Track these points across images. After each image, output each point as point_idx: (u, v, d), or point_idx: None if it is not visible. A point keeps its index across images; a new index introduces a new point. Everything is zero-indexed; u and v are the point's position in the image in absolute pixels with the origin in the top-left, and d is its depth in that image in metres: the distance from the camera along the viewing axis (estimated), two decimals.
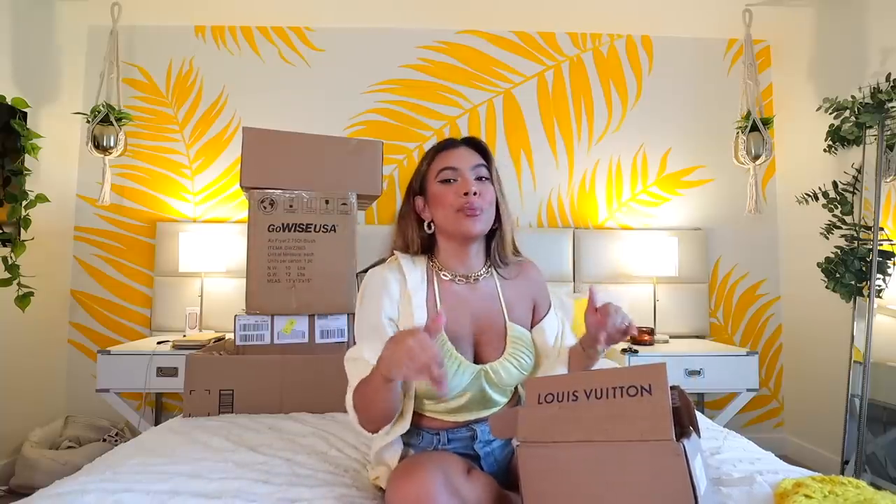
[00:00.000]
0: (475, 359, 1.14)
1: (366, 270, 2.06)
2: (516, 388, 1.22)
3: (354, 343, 1.15)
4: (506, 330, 1.16)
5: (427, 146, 3.03)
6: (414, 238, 1.18)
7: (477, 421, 1.14)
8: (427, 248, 1.20)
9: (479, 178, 1.14)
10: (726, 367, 2.50)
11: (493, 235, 1.19)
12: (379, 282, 1.14)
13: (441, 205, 1.13)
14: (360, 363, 1.06)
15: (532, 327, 1.22)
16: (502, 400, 1.16)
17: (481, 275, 1.19)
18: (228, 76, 3.03)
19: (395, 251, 1.20)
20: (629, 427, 0.82)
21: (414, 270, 1.15)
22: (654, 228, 3.04)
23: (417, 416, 1.12)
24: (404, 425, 1.07)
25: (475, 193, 1.10)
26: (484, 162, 1.16)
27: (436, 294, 1.14)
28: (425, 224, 1.18)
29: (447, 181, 1.13)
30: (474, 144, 1.18)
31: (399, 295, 1.13)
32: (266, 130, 1.96)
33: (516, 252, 1.24)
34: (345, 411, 1.70)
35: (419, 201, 1.18)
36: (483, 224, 1.13)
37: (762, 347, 3.06)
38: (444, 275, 1.17)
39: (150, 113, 2.99)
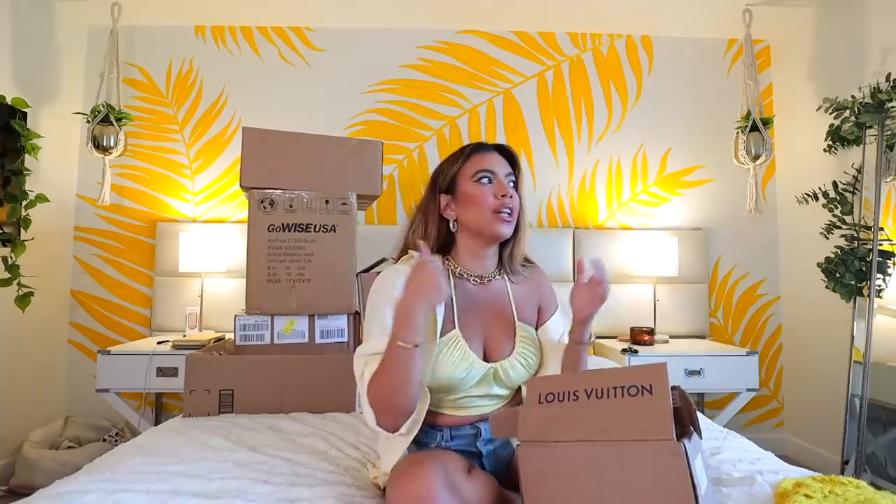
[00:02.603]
0: (484, 357, 1.16)
1: (366, 270, 2.08)
2: (519, 386, 1.23)
3: (360, 341, 1.15)
4: (515, 330, 1.19)
5: (427, 146, 3.05)
6: (433, 235, 1.20)
7: (481, 418, 1.15)
8: (442, 246, 1.21)
9: (509, 184, 1.17)
10: (726, 367, 2.50)
11: (507, 242, 1.21)
12: (397, 279, 1.11)
13: (476, 204, 1.15)
14: (377, 359, 1.03)
15: (537, 328, 1.24)
16: (507, 396, 1.18)
17: (493, 276, 1.22)
18: (228, 76, 3.03)
19: (409, 249, 1.21)
20: (629, 427, 0.82)
21: None
22: (654, 228, 3.04)
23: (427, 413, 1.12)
24: (419, 421, 1.04)
25: (511, 196, 1.14)
26: (512, 171, 1.20)
27: (451, 291, 1.16)
28: (451, 223, 1.19)
29: (484, 181, 1.16)
30: (506, 153, 1.21)
31: None
32: (266, 130, 1.96)
33: (526, 261, 1.27)
34: (345, 411, 1.74)
35: (444, 199, 1.19)
36: (512, 228, 1.17)
37: (762, 347, 3.06)
38: (458, 273, 1.19)
39: (150, 113, 2.99)
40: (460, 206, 1.17)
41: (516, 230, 1.19)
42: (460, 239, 1.20)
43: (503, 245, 1.22)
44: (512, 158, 1.21)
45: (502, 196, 1.14)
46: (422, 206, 1.22)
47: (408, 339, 0.95)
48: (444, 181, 1.20)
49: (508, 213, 1.14)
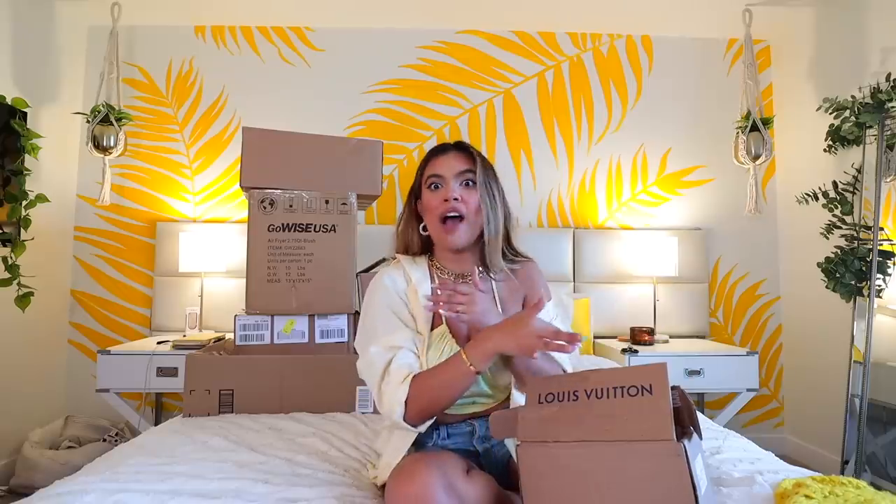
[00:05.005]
0: None
1: (366, 270, 2.08)
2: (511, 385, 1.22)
3: (356, 348, 1.16)
4: None
5: (427, 146, 3.05)
6: (414, 239, 1.23)
7: (473, 416, 1.15)
8: (426, 248, 1.25)
9: (465, 184, 1.17)
10: (726, 367, 2.50)
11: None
12: (385, 281, 1.18)
13: (428, 211, 1.18)
14: (403, 352, 1.07)
15: None
16: (498, 395, 1.17)
17: (479, 274, 1.20)
18: (228, 76, 3.03)
19: (396, 254, 1.25)
20: (629, 427, 0.82)
21: (416, 268, 1.20)
22: (653, 228, 3.04)
23: None
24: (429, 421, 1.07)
25: (456, 199, 1.14)
26: (471, 167, 1.17)
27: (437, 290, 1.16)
28: (420, 226, 1.22)
29: (433, 187, 1.18)
30: (463, 149, 1.21)
31: (405, 290, 1.18)
32: (266, 130, 1.96)
33: (513, 258, 1.25)
34: (345, 411, 1.74)
35: (419, 204, 1.23)
36: (464, 236, 1.16)
37: (762, 347, 3.06)
38: (441, 274, 1.21)
39: (150, 113, 2.99)
40: (423, 213, 1.21)
41: (483, 232, 1.17)
42: (435, 241, 1.23)
43: (481, 245, 1.20)
44: (470, 155, 1.19)
45: (444, 200, 1.14)
46: (404, 210, 1.26)
47: (478, 365, 0.98)
48: (416, 186, 1.23)
49: (453, 220, 1.14)
